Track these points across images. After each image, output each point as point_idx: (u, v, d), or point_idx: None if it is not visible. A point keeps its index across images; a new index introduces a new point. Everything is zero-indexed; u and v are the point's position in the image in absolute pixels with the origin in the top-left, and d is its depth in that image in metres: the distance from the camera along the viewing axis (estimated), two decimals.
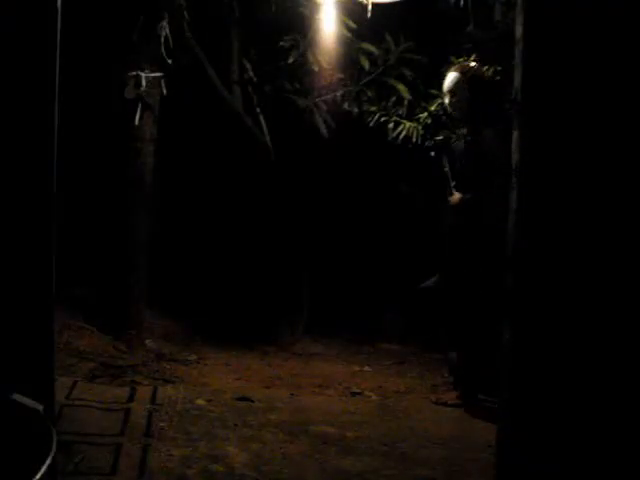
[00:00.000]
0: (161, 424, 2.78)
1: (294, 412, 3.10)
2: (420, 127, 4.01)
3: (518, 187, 2.02)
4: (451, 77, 3.39)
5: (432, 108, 3.99)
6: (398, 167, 4.49)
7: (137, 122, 4.01)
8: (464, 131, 3.52)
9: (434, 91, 4.06)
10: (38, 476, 1.48)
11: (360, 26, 4.11)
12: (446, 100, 3.44)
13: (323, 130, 4.51)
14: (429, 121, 4.01)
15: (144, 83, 3.99)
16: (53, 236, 2.14)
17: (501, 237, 3.30)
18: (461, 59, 3.92)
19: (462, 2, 3.77)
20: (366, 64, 4.31)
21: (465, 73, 3.39)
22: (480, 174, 3.31)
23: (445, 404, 3.33)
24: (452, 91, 3.38)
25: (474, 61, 3.86)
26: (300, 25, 4.28)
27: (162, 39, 4.01)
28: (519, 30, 2.01)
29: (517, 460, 2.01)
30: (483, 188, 3.28)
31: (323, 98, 4.52)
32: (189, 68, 4.28)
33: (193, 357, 4.08)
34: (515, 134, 2.04)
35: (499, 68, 3.74)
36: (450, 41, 4.04)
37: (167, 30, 4.02)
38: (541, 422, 1.97)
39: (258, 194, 4.77)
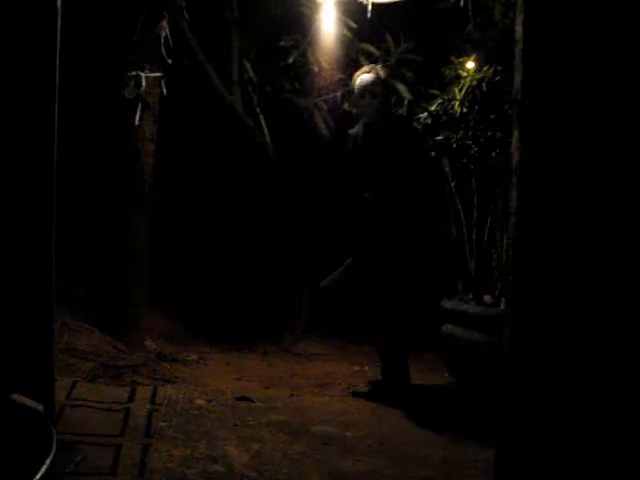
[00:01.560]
0: (161, 424, 2.78)
1: (294, 412, 3.10)
2: (420, 127, 4.01)
3: (518, 187, 2.02)
4: (370, 78, 3.39)
5: (432, 108, 3.99)
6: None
7: (137, 122, 4.01)
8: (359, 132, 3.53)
9: (434, 91, 4.06)
10: (38, 476, 1.48)
11: (360, 26, 4.11)
12: (364, 101, 3.40)
13: (323, 130, 4.51)
14: (429, 121, 4.00)
15: (144, 83, 3.99)
16: (53, 236, 2.14)
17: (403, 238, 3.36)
18: (461, 59, 3.93)
19: (462, 2, 3.77)
20: (366, 64, 4.31)
21: (380, 76, 3.42)
22: (388, 174, 3.37)
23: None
24: (373, 92, 3.38)
25: (473, 61, 3.87)
26: (300, 25, 4.28)
27: (162, 39, 4.01)
28: (519, 30, 2.02)
29: (517, 461, 2.02)
30: (394, 187, 3.35)
31: (323, 98, 4.52)
32: (189, 68, 4.28)
33: (193, 357, 4.08)
34: (515, 134, 2.04)
35: (499, 68, 3.74)
36: (450, 41, 4.04)
37: (167, 30, 4.02)
38: (541, 425, 1.97)
39: (258, 194, 4.77)
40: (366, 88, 3.38)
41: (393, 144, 3.39)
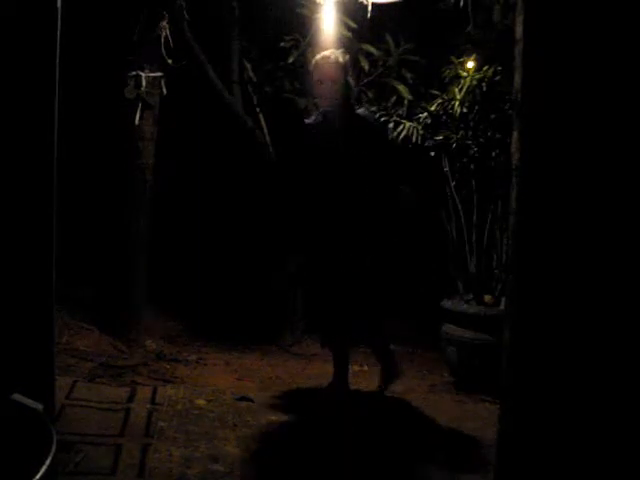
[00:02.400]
0: (161, 424, 2.78)
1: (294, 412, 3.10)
2: (420, 127, 4.02)
3: (518, 187, 2.02)
4: (329, 63, 3.16)
5: (432, 108, 3.99)
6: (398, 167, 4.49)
7: (137, 122, 4.02)
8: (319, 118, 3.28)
9: (434, 91, 4.07)
10: (38, 476, 1.48)
11: (360, 26, 4.11)
12: (323, 87, 3.16)
13: None
14: (429, 121, 4.01)
15: (144, 83, 4.00)
16: (53, 236, 2.14)
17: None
18: (461, 59, 3.93)
19: (462, 3, 3.78)
20: (366, 65, 4.31)
21: (340, 60, 3.18)
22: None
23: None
24: (333, 78, 3.14)
25: (473, 61, 3.87)
26: (300, 25, 4.28)
27: (162, 39, 4.01)
28: (519, 30, 2.02)
29: (517, 461, 2.02)
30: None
31: None
32: (189, 68, 4.29)
33: (193, 357, 4.08)
34: (515, 134, 2.04)
35: (499, 68, 3.74)
36: (450, 41, 4.04)
37: (167, 30, 4.02)
38: (542, 425, 1.97)
39: (258, 194, 4.77)
40: (325, 74, 3.15)
41: (356, 133, 3.17)
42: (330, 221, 3.21)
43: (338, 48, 3.37)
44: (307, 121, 3.36)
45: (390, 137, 3.79)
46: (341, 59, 3.19)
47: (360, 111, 3.32)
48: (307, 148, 3.29)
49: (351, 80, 3.25)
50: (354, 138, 3.18)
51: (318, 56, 3.24)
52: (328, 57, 3.19)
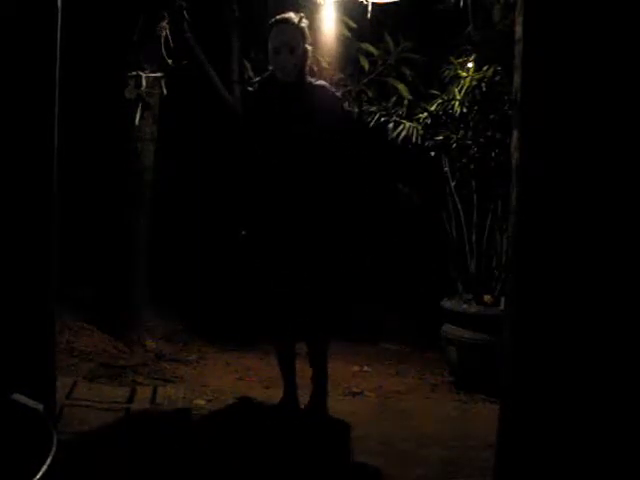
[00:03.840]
0: None
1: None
2: (420, 127, 4.02)
3: (518, 187, 2.02)
4: (288, 30, 2.81)
5: (432, 108, 3.99)
6: (397, 167, 4.49)
7: (137, 122, 4.02)
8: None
9: (434, 91, 4.07)
10: (38, 476, 1.48)
11: (360, 26, 4.11)
12: (280, 57, 2.79)
13: None
14: (429, 121, 4.01)
15: (144, 83, 4.00)
16: (54, 236, 2.15)
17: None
18: (461, 59, 3.93)
19: (462, 3, 3.78)
20: (366, 64, 4.31)
21: (299, 28, 2.83)
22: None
23: None
24: (291, 47, 2.78)
25: (471, 61, 3.87)
26: None
27: (162, 39, 4.01)
28: (519, 30, 2.02)
29: (517, 461, 2.02)
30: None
31: None
32: (189, 68, 4.28)
33: (193, 357, 4.08)
34: (515, 134, 2.04)
35: (499, 68, 3.74)
36: (450, 42, 4.05)
37: (167, 30, 4.02)
38: (542, 425, 1.97)
39: None
40: (283, 42, 2.78)
41: (307, 105, 2.82)
42: (272, 207, 2.89)
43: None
44: (249, 89, 3.01)
45: (348, 109, 3.48)
46: (300, 23, 2.84)
47: (319, 82, 2.95)
48: (245, 120, 2.95)
49: (309, 48, 2.90)
50: (303, 110, 2.83)
51: (273, 20, 2.86)
52: (285, 21, 2.82)
